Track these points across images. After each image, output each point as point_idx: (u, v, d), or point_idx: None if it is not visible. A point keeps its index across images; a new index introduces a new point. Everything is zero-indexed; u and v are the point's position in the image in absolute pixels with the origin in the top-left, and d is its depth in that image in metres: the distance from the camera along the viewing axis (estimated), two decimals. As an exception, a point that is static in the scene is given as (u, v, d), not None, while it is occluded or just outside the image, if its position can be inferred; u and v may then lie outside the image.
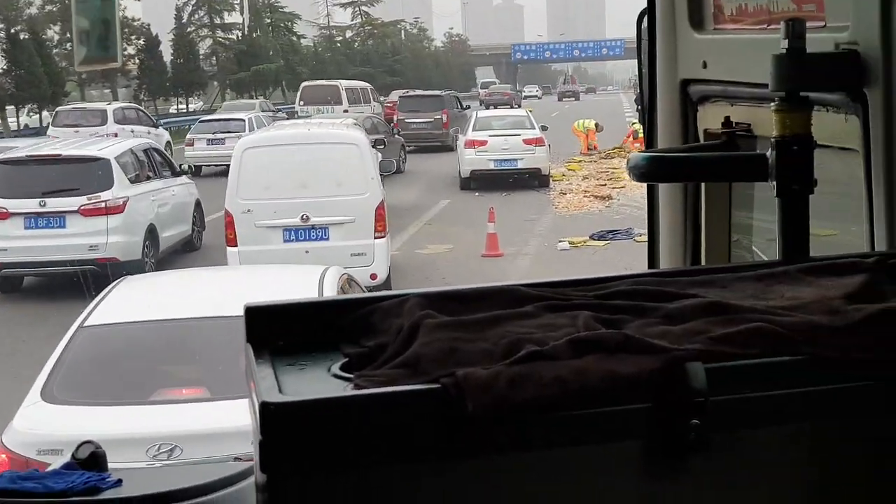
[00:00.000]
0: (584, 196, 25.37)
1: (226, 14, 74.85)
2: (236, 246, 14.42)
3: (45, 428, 7.06)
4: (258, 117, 36.93)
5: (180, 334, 7.92)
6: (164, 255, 18.06)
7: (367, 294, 1.53)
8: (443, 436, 1.28)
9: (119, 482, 2.09)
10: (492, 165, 27.81)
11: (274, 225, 14.52)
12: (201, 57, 70.85)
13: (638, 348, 1.35)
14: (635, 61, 3.04)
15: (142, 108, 43.82)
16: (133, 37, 62.02)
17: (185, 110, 65.23)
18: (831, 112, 1.99)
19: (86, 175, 16.80)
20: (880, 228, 1.85)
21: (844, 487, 1.42)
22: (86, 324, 7.92)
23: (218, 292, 8.90)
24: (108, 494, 2.06)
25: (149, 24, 66.49)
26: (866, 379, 1.39)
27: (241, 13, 72.65)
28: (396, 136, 34.25)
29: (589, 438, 1.32)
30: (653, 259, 2.86)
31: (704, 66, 2.52)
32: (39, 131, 43.19)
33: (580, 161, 32.67)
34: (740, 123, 2.38)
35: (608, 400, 1.31)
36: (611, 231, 19.92)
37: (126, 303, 8.51)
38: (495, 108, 59.73)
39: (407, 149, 34.40)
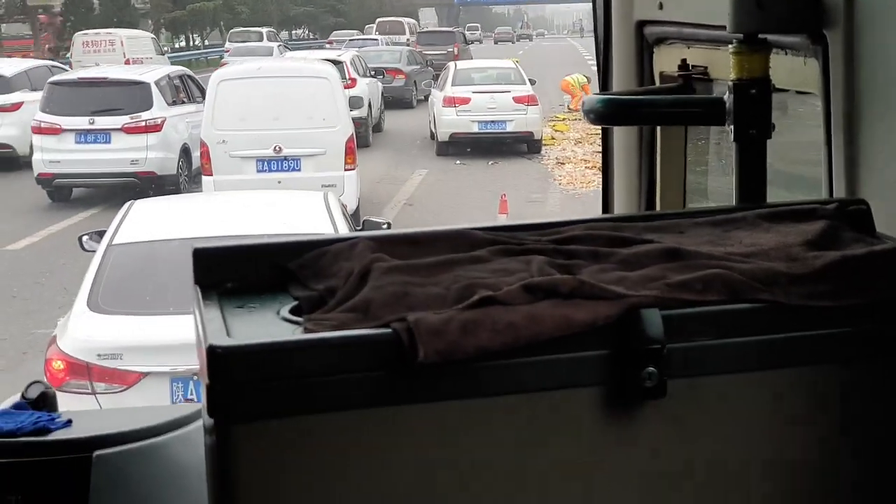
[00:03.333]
0: (587, 167, 21.44)
1: (163, -55, 72.01)
2: (212, 175, 15.02)
3: (101, 335, 7.43)
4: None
5: None
6: (195, 172, 18.93)
7: (317, 237, 1.50)
8: (394, 381, 1.25)
9: (69, 423, 2.09)
10: (475, 128, 23.22)
11: (247, 155, 15.06)
12: (134, -8, 68.20)
13: (593, 294, 1.32)
14: (578, 6, 2.99)
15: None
16: (57, -33, 58.07)
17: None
18: (790, 55, 1.96)
19: (129, 96, 18.77)
20: (839, 174, 1.83)
21: (802, 435, 1.40)
22: (114, 242, 8.46)
23: (233, 214, 9.22)
24: (58, 435, 2.05)
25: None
26: (825, 327, 1.37)
27: (180, -56, 70.03)
28: (428, 66, 37.84)
29: (542, 386, 1.30)
30: (607, 204, 2.84)
31: (661, 6, 2.48)
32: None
33: (564, 119, 28.40)
34: (697, 66, 2.34)
35: (562, 347, 1.29)
36: None
37: (145, 224, 8.90)
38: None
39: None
